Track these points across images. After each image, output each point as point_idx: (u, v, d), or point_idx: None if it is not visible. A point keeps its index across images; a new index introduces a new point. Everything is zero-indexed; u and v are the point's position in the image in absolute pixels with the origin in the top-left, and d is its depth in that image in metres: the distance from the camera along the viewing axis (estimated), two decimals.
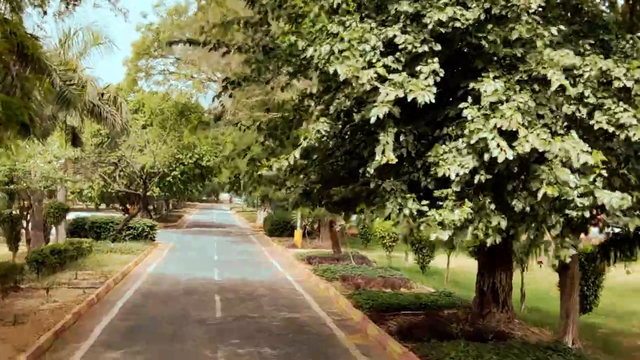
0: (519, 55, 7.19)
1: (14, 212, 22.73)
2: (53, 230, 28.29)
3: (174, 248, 29.44)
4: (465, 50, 7.67)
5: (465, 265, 24.51)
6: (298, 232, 30.63)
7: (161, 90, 37.31)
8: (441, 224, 6.58)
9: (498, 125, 6.38)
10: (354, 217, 31.16)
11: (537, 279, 20.11)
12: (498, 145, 6.34)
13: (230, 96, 10.27)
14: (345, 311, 14.47)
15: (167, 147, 37.78)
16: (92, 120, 27.52)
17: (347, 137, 8.68)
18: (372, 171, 7.02)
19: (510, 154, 6.32)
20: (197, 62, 34.45)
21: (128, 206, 49.80)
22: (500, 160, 6.33)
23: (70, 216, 32.26)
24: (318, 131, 7.11)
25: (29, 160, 21.66)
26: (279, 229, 37.18)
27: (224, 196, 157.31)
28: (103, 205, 58.27)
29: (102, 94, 29.07)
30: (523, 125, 6.39)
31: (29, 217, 23.59)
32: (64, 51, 25.90)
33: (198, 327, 12.17)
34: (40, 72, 16.71)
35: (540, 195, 6.39)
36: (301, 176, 9.13)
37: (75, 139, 30.42)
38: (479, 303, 13.28)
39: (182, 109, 36.38)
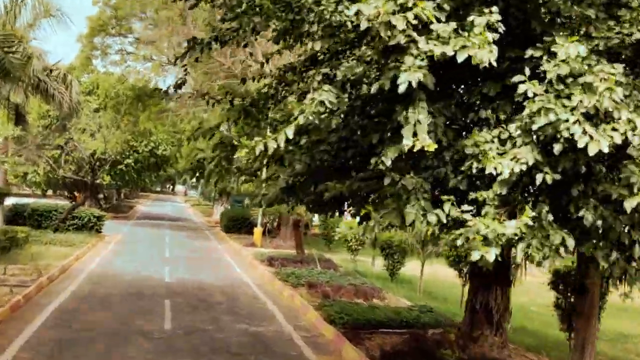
0: (593, 16, 5.50)
1: None
2: None
3: (122, 241, 27.10)
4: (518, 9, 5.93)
5: (437, 274, 23.02)
6: (258, 230, 28.65)
7: (117, 71, 34.77)
8: (485, 238, 4.85)
9: (586, 104, 4.67)
10: (315, 217, 28.96)
11: (516, 292, 18.71)
12: (585, 132, 4.63)
13: (197, 60, 8.31)
14: (315, 326, 12.65)
15: (120, 132, 35.25)
16: (39, 97, 24.97)
17: (354, 114, 6.82)
18: (388, 162, 5.22)
19: (604, 145, 4.62)
20: (157, 42, 32.09)
21: (76, 194, 46.92)
22: (591, 152, 4.63)
23: (11, 201, 29.59)
24: (321, 103, 5.19)
25: None
26: (237, 225, 35.10)
27: (179, 188, 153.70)
28: (50, 192, 55.10)
29: (51, 70, 26.55)
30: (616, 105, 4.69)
31: None
32: (10, 20, 23.32)
33: (141, 343, 10.15)
34: None
35: (630, 205, 4.73)
36: (284, 165, 7.28)
37: (18, 118, 27.80)
38: (469, 323, 11.64)
39: (138, 92, 33.89)
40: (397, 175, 5.32)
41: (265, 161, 7.37)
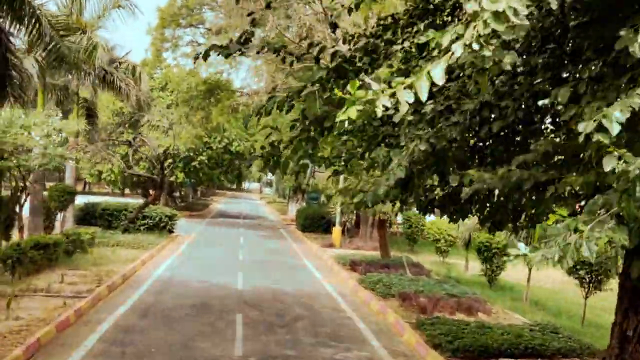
0: None
1: (3, 194, 19.14)
2: (60, 217, 24.91)
3: (194, 242, 25.60)
4: None
5: (539, 278, 20.18)
6: (337, 230, 26.50)
7: (189, 65, 33.42)
8: None
9: None
10: (399, 216, 25.96)
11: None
12: None
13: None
14: (416, 351, 10.30)
15: (192, 128, 33.94)
16: (106, 90, 23.76)
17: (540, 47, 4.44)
18: (615, 129, 2.90)
19: None
20: (229, 31, 30.43)
21: (151, 192, 46.40)
22: None
23: (82, 200, 28.77)
24: (496, 16, 2.78)
25: (22, 133, 17.91)
26: (313, 224, 33.14)
27: (254, 186, 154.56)
28: (128, 191, 55.20)
29: (120, 63, 25.40)
30: None
31: (23, 201, 19.92)
32: (76, 8, 22.13)
33: None
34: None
35: None
36: (396, 146, 5.04)
37: (89, 114, 26.85)
38: (618, 354, 9.01)
39: (210, 85, 32.42)
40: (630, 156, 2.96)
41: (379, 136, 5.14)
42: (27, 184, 20.01)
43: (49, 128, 18.68)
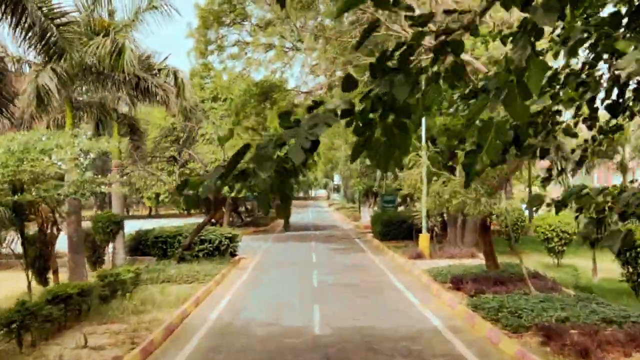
0: None
1: (30, 233, 16.28)
2: (110, 248, 22.20)
3: (259, 266, 22.19)
4: None
5: None
6: (424, 237, 22.45)
7: (237, 67, 30.29)
8: None
9: None
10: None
11: None
12: None
13: None
14: None
15: (248, 136, 30.73)
16: (141, 99, 20.72)
17: None
18: None
19: None
20: (278, 25, 27.13)
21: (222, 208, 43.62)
22: None
23: (134, 227, 26.00)
24: None
25: (42, 158, 14.91)
26: (393, 230, 29.23)
27: (321, 192, 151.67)
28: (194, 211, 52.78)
29: (159, 70, 22.38)
30: None
31: (55, 237, 17.02)
32: (98, 10, 19.16)
33: None
34: None
35: None
36: None
37: (132, 130, 24.01)
38: None
39: (264, 87, 29.17)
40: None
41: None
42: (58, 216, 17.13)
43: (74, 150, 15.63)
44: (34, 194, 14.52)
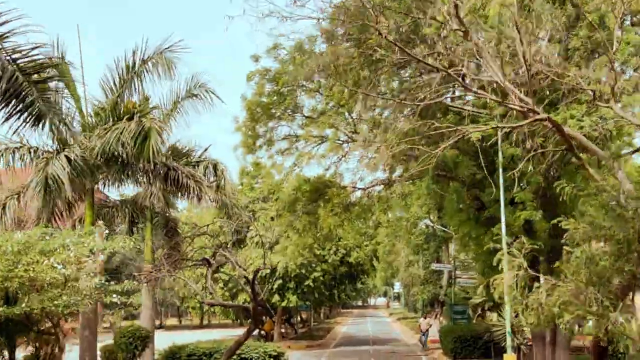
0: None
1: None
2: None
3: None
4: None
5: None
6: (510, 357, 18.23)
7: (287, 162, 27.72)
8: None
9: None
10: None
11: None
12: None
13: None
14: None
15: (298, 237, 27.65)
16: (174, 192, 18.15)
17: None
18: None
19: None
20: (332, 114, 24.68)
21: (264, 319, 40.07)
22: None
23: (177, 339, 22.79)
24: None
25: (41, 260, 12.19)
26: (467, 347, 24.90)
27: (380, 300, 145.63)
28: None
29: (198, 163, 20.06)
30: None
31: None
32: (128, 92, 17.09)
33: None
34: None
35: None
36: None
37: (169, 230, 21.44)
38: None
39: (316, 184, 26.42)
40: None
41: None
42: (61, 333, 14.16)
43: (83, 249, 12.89)
44: (24, 305, 11.69)
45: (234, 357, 19.44)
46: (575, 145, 11.12)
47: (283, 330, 46.91)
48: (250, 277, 16.60)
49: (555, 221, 16.57)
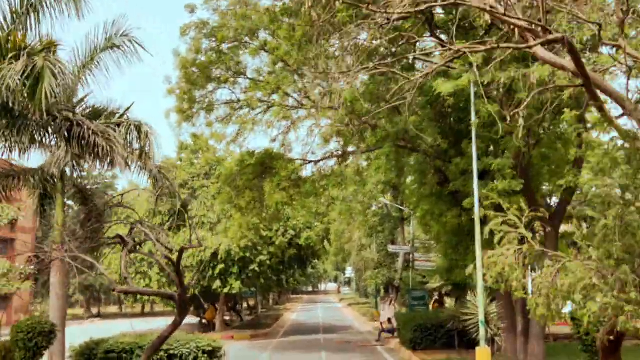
0: None
1: None
2: None
3: None
4: None
5: None
6: (483, 352, 15.69)
7: (229, 131, 24.56)
8: None
9: None
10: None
11: None
12: None
13: None
14: None
15: (243, 218, 24.64)
16: (80, 152, 14.78)
17: None
18: None
19: None
20: (280, 77, 21.64)
21: (207, 307, 37.00)
22: None
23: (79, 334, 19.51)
24: None
25: None
26: (427, 337, 22.45)
27: (331, 286, 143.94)
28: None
29: (118, 125, 16.74)
30: None
31: None
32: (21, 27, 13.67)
33: None
34: None
35: None
36: None
37: (84, 202, 18.11)
38: None
39: (260, 158, 23.44)
40: None
41: None
42: None
43: None
44: None
45: (161, 353, 16.39)
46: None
47: (228, 318, 43.89)
48: (175, 258, 13.43)
49: (562, 182, 14.15)
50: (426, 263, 28.20)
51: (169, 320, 36.36)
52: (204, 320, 36.18)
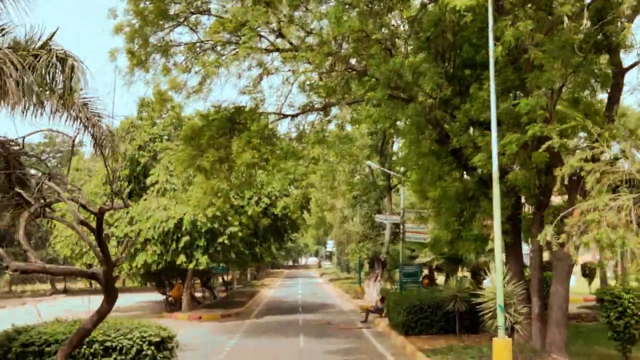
0: None
1: None
2: None
3: None
4: None
5: None
6: (503, 344, 12.31)
7: (191, 81, 20.89)
8: None
9: None
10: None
11: None
12: None
13: None
14: None
15: (207, 182, 21.07)
16: None
17: None
18: None
19: None
20: (253, 13, 17.88)
21: (175, 282, 33.59)
22: None
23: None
24: None
25: None
26: (422, 319, 19.29)
27: (312, 260, 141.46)
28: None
29: (36, 56, 12.92)
30: None
31: None
32: None
33: None
34: None
35: None
36: None
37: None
38: None
39: (226, 113, 19.87)
40: None
41: None
42: None
43: None
44: None
45: (95, 345, 12.91)
46: None
47: (201, 295, 40.56)
48: (94, 222, 9.86)
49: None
50: (418, 235, 24.98)
51: (141, 296, 32.91)
52: (170, 299, 32.78)
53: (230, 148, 19.79)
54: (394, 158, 32.24)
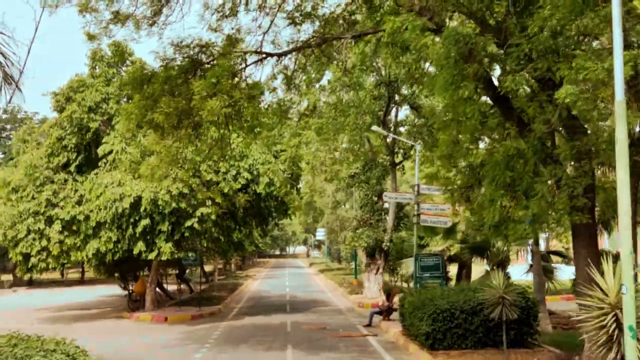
0: None
1: None
2: None
3: None
4: None
5: None
6: None
7: (140, 12, 15.50)
8: None
9: None
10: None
11: None
12: None
13: None
14: None
15: (164, 145, 15.79)
16: None
17: None
18: None
19: None
20: None
21: (140, 275, 28.55)
22: None
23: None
24: None
25: None
26: (454, 328, 14.15)
27: (300, 249, 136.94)
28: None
29: None
30: None
31: None
32: None
33: None
34: None
35: None
36: None
37: None
38: None
39: (189, 50, 14.66)
40: None
41: None
42: None
43: None
44: None
45: None
46: None
47: (176, 288, 35.36)
48: None
49: None
50: (437, 218, 19.87)
51: (109, 289, 27.16)
52: (133, 294, 27.54)
53: (191, 91, 14.41)
54: (401, 129, 27.17)
